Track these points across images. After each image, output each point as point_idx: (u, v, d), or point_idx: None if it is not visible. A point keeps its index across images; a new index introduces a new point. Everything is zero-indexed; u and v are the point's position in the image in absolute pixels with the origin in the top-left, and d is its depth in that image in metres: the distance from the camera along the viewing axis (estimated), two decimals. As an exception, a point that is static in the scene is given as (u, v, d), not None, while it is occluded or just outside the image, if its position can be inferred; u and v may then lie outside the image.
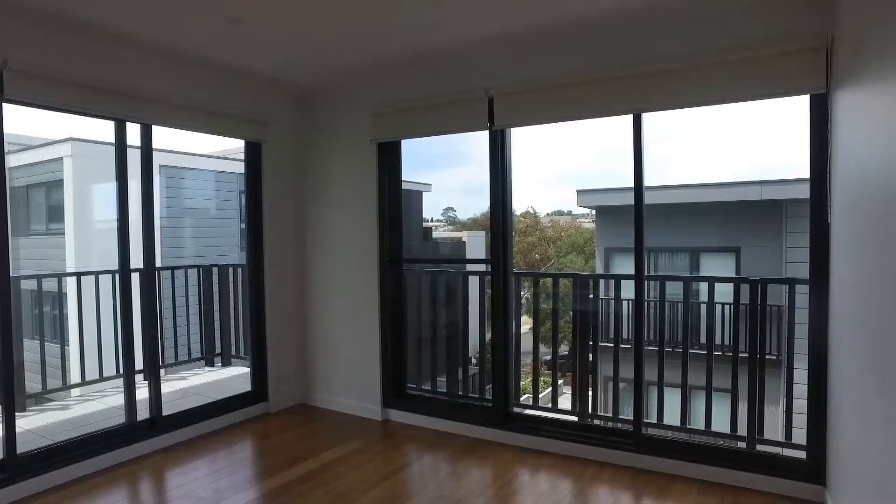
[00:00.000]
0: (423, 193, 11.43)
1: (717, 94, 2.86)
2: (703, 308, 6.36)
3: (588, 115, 3.22)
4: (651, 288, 4.65)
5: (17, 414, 2.97)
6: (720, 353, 3.64)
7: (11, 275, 2.92)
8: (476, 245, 13.34)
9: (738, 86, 2.80)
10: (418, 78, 3.76)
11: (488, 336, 4.14)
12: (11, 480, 2.84)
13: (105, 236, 7.93)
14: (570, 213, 19.90)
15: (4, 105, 2.80)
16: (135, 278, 3.57)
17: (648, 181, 3.17)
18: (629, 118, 3.15)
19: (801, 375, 3.20)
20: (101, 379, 4.55)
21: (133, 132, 3.43)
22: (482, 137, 3.60)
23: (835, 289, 2.56)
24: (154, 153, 3.53)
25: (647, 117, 3.13)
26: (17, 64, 2.75)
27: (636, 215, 3.16)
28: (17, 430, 2.95)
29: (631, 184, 3.18)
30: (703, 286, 6.74)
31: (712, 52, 2.82)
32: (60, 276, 4.80)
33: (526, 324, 4.86)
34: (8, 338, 2.89)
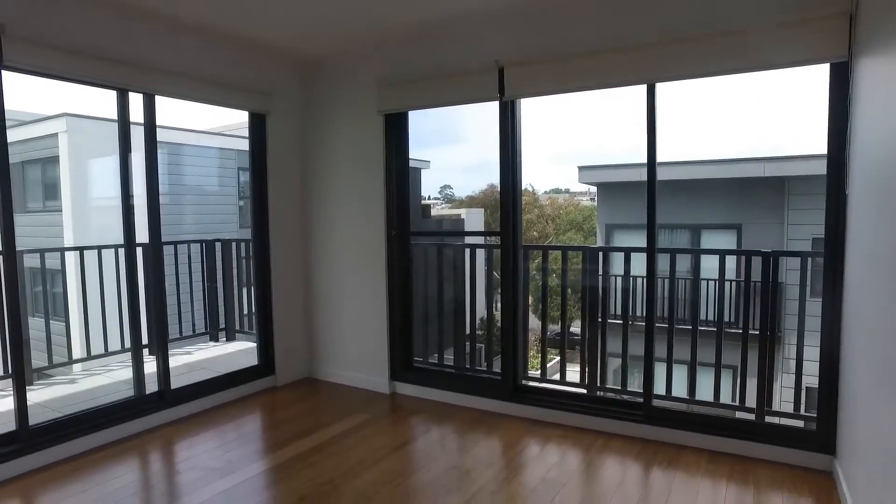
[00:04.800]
0: (422, 171, 11.38)
1: (734, 64, 2.80)
2: (707, 284, 6.38)
3: (601, 85, 3.16)
4: (658, 262, 4.63)
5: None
6: (712, 329, 3.64)
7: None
8: (475, 222, 13.32)
9: (756, 54, 2.74)
10: (427, 48, 3.69)
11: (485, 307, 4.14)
12: (24, 452, 2.84)
13: (103, 213, 7.87)
14: (567, 190, 19.89)
15: (4, 73, 2.72)
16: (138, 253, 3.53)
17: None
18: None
19: (802, 350, 3.22)
20: (107, 353, 4.54)
21: (134, 107, 3.33)
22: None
23: (851, 261, 2.55)
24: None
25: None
26: (17, 29, 2.67)
27: (649, 188, 3.13)
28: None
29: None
30: (705, 263, 6.72)
31: (729, 19, 2.76)
32: (63, 251, 4.74)
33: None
34: (16, 312, 2.86)
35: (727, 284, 6.37)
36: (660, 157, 3.10)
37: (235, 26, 3.48)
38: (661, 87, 3.06)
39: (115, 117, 3.29)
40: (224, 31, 3.54)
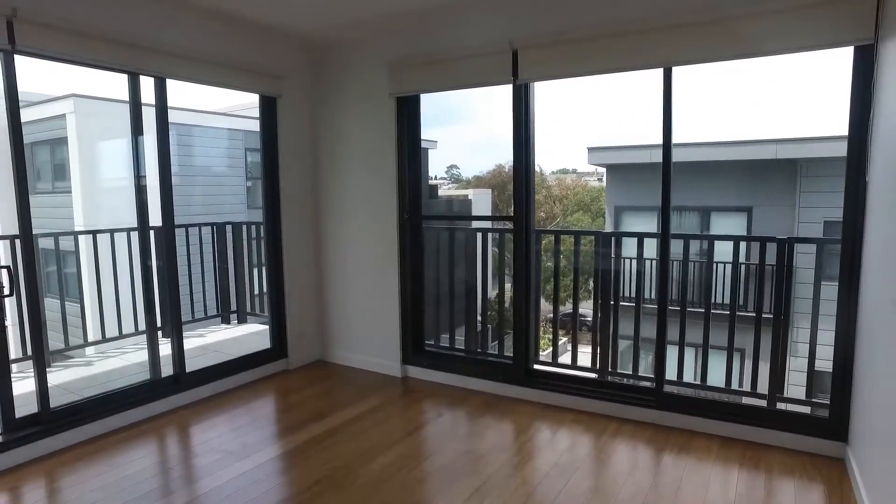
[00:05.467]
0: (429, 150, 11.33)
1: (754, 47, 2.75)
2: (716, 267, 6.36)
3: (617, 69, 3.11)
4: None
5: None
6: (723, 312, 3.63)
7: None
8: (482, 203, 13.27)
9: (776, 38, 2.68)
10: (439, 29, 3.63)
11: (495, 292, 4.13)
12: (46, 434, 2.90)
13: (113, 194, 7.89)
14: (575, 171, 19.72)
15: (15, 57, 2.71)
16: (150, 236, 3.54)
17: (658, 138, 3.09)
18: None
19: (804, 334, 3.20)
20: (121, 336, 4.59)
21: (144, 89, 3.32)
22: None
23: (870, 248, 2.52)
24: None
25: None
26: (29, 13, 2.65)
27: (664, 173, 3.09)
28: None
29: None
30: (717, 246, 6.67)
31: (749, 2, 2.69)
32: (77, 235, 4.77)
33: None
34: (35, 295, 2.89)
35: (740, 267, 6.34)
36: (672, 138, 3.06)
37: (246, 9, 3.44)
38: (676, 69, 3.01)
39: (123, 98, 3.29)
40: (235, 14, 3.50)
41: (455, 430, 3.25)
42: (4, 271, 2.76)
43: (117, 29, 3.02)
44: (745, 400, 3.45)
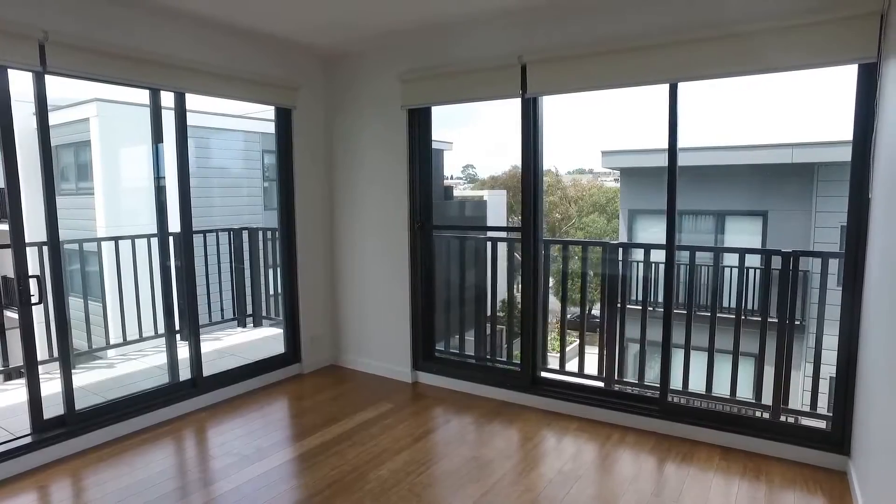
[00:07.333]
0: (444, 152, 11.41)
1: (758, 64, 2.78)
2: (727, 272, 6.35)
3: (624, 84, 3.16)
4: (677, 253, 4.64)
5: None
6: (730, 317, 3.66)
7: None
8: (497, 204, 13.32)
9: (780, 55, 2.71)
10: (450, 43, 3.70)
11: (505, 296, 4.18)
12: (71, 435, 3.04)
13: (133, 196, 8.10)
14: (591, 171, 19.66)
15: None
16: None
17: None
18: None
19: (819, 341, 3.22)
20: (141, 339, 4.74)
21: (166, 96, 3.46)
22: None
23: (872, 263, 2.55)
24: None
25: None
26: (58, 35, 2.78)
27: (669, 186, 3.14)
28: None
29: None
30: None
31: (753, 19, 2.73)
32: (100, 241, 4.93)
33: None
34: (61, 300, 3.02)
35: (748, 272, 6.32)
36: (686, 143, 3.11)
37: (262, 24, 3.54)
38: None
39: (145, 101, 3.41)
40: (251, 28, 3.60)
41: (463, 437, 3.33)
42: (33, 280, 2.90)
43: (140, 48, 3.15)
44: (749, 410, 3.48)
